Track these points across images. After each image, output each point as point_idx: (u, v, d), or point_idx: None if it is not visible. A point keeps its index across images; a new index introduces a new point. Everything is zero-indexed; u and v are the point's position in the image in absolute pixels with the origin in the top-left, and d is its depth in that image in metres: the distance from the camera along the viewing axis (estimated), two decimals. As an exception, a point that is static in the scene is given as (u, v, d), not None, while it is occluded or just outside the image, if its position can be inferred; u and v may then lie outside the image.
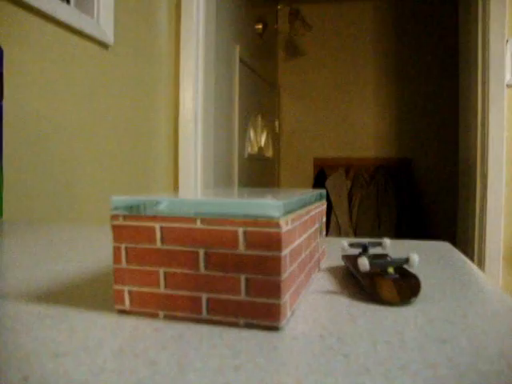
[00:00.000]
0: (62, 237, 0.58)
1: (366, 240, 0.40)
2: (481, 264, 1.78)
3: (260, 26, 2.80)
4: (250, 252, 0.24)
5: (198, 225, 0.24)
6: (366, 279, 0.30)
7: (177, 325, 0.24)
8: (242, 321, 0.24)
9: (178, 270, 0.25)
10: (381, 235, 2.95)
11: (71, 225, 0.71)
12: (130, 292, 0.26)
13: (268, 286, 0.24)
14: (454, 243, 2.93)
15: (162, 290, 0.25)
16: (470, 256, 1.88)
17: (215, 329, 0.24)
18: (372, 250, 0.49)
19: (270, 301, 0.24)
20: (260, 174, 2.85)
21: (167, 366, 0.19)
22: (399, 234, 2.99)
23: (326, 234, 3.07)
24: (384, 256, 0.36)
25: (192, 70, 1.72)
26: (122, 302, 0.26)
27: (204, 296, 0.25)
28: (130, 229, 0.26)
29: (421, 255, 0.47)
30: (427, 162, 3.12)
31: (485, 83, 1.72)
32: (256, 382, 0.18)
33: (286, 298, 0.24)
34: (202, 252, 0.24)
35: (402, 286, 0.29)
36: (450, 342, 0.22)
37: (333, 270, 0.39)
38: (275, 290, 0.23)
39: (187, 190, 1.72)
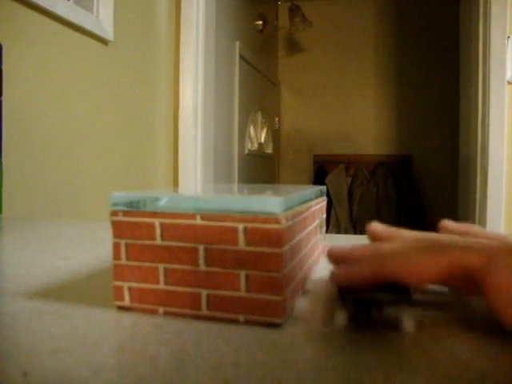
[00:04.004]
0: (61, 233, 0.58)
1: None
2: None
3: (260, 23, 2.79)
4: (250, 248, 0.24)
5: (198, 221, 0.24)
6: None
7: (176, 321, 0.24)
8: (241, 317, 0.24)
9: (178, 267, 0.25)
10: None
11: (71, 221, 0.71)
12: (129, 288, 0.26)
13: (268, 282, 0.23)
14: (454, 240, 2.93)
15: (161, 286, 0.25)
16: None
17: (215, 325, 0.24)
18: None
19: (270, 297, 0.23)
20: (260, 170, 2.84)
21: (167, 363, 0.19)
22: (399, 230, 2.99)
23: (326, 231, 3.06)
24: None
25: (192, 66, 1.71)
26: (122, 298, 0.26)
27: (204, 292, 0.24)
28: (129, 225, 0.26)
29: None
30: (427, 159, 3.12)
31: (485, 80, 1.72)
32: (256, 379, 0.18)
33: (286, 294, 0.24)
34: (201, 248, 0.24)
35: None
36: (449, 338, 0.22)
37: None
38: (275, 286, 0.23)
39: (187, 186, 1.72)
